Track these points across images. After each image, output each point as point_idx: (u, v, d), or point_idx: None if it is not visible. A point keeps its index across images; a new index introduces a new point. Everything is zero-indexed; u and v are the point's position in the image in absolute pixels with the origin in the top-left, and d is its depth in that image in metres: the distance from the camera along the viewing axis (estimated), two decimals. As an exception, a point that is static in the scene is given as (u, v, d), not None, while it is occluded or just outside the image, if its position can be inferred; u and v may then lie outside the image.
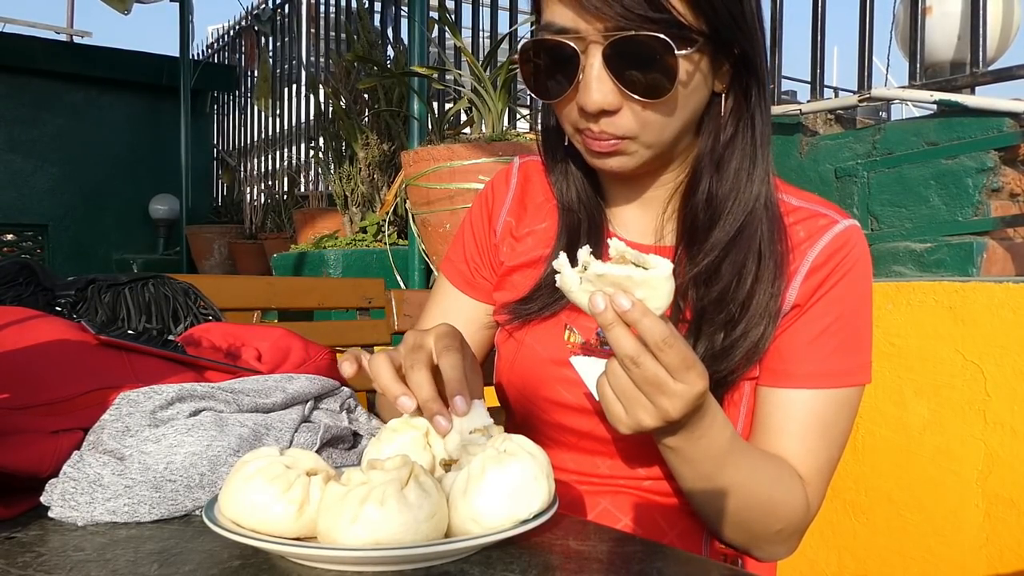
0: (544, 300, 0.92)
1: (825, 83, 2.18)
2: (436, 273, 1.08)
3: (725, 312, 0.82)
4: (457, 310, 1.03)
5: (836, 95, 2.31)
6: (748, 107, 0.84)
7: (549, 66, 0.79)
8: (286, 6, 5.69)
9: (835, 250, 0.85)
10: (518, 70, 0.90)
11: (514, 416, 1.00)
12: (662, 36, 0.73)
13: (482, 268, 1.03)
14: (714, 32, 0.76)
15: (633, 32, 0.73)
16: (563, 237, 0.94)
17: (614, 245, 0.67)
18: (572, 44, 0.76)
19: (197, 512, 0.69)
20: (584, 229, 0.93)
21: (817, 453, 0.85)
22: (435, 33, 3.55)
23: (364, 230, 3.47)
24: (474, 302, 1.03)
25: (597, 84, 0.76)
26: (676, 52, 0.73)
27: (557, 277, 0.68)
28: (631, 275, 0.64)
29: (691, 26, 0.74)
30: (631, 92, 0.76)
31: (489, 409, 1.01)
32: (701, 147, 0.86)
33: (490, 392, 1.04)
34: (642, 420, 0.69)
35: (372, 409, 1.02)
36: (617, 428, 0.71)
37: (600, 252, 0.90)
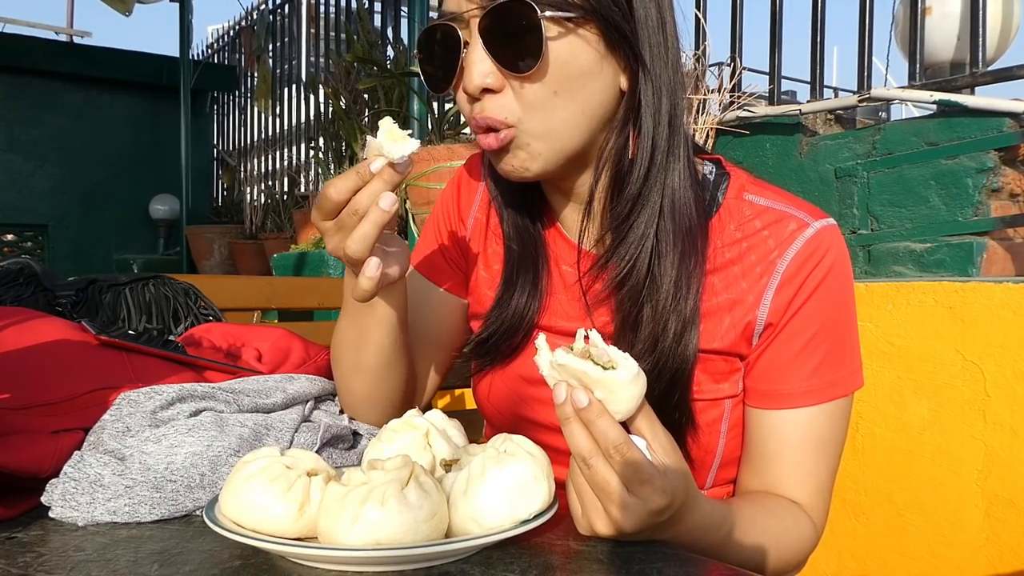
0: (493, 351, 0.91)
1: (825, 83, 2.18)
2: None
3: (636, 325, 0.80)
4: (430, 303, 0.99)
5: (836, 95, 2.31)
6: (644, 108, 0.78)
7: (438, 55, 0.79)
8: (286, 6, 5.69)
9: (806, 258, 0.80)
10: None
11: (496, 430, 0.98)
12: (528, 1, 0.71)
13: (459, 260, 0.99)
14: (594, 9, 0.74)
15: (504, 0, 0.72)
16: (504, 272, 0.91)
17: (592, 336, 0.65)
18: (454, 26, 0.76)
19: (198, 512, 0.69)
20: (522, 263, 0.90)
21: (817, 474, 0.83)
22: (435, 33, 3.54)
23: (364, 230, 3.46)
24: (448, 295, 0.99)
25: (475, 61, 0.75)
26: (540, 14, 0.72)
27: (536, 358, 0.66)
28: (587, 372, 0.62)
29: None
30: (507, 67, 0.74)
31: (475, 411, 1.01)
32: (599, 149, 0.82)
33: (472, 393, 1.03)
34: (595, 524, 0.64)
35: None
36: (577, 528, 0.67)
37: (536, 272, 0.89)
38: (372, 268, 0.75)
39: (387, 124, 0.73)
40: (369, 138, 0.72)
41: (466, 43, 0.76)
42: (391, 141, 0.72)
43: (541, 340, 0.66)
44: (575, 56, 0.75)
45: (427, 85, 0.82)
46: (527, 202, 0.90)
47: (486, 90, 0.76)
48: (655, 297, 0.79)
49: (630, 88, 0.79)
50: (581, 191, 0.86)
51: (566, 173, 0.83)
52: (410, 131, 0.73)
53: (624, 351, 0.64)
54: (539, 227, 0.91)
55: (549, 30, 0.73)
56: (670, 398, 0.80)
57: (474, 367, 0.96)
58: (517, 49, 0.73)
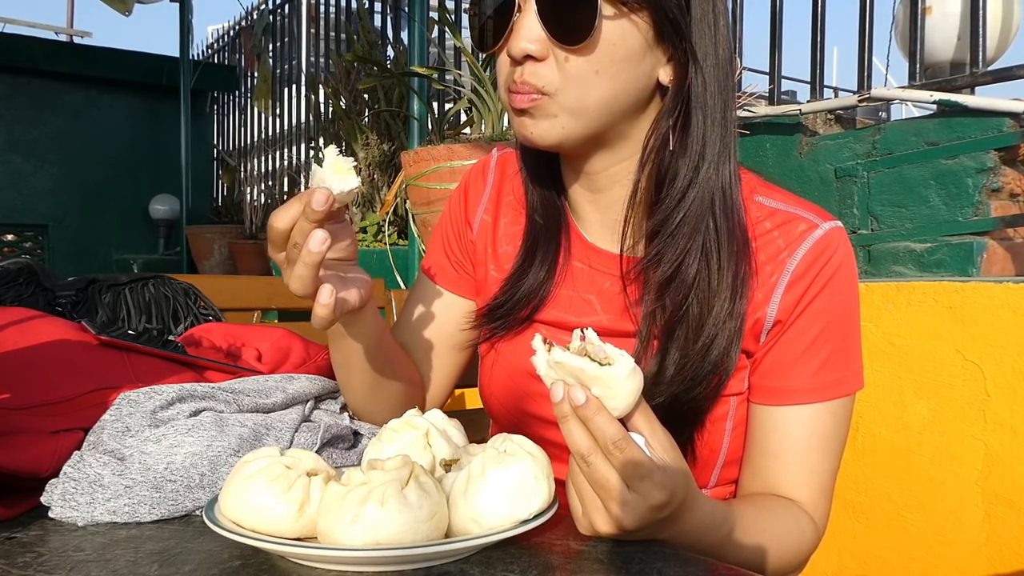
0: (505, 317, 0.91)
1: (825, 83, 2.18)
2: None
3: (683, 326, 0.80)
4: (438, 307, 1.00)
5: (836, 95, 2.31)
6: (694, 104, 0.79)
7: (490, 13, 0.80)
8: (286, 6, 5.69)
9: (815, 258, 0.82)
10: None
11: (500, 426, 0.99)
12: None
13: (464, 264, 1.00)
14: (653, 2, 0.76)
15: None
16: (525, 242, 0.92)
17: (588, 335, 0.65)
18: None
19: (197, 512, 0.69)
20: (544, 236, 0.91)
21: (820, 472, 0.83)
22: (435, 33, 3.55)
23: (364, 230, 3.47)
24: (457, 298, 1.00)
25: (526, 26, 0.76)
26: None
27: (533, 358, 0.66)
28: (584, 368, 0.62)
29: None
30: (556, 37, 0.75)
31: (475, 411, 1.01)
32: (644, 142, 0.83)
33: (475, 394, 1.04)
34: (596, 523, 0.64)
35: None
36: (577, 527, 0.66)
37: (557, 248, 0.90)
38: (325, 296, 0.74)
39: (332, 155, 0.72)
40: (315, 166, 0.72)
41: (520, 7, 0.77)
42: (335, 173, 0.71)
43: (537, 340, 0.66)
44: (624, 40, 0.76)
45: (473, 42, 0.83)
46: (554, 184, 0.92)
47: (529, 57, 0.77)
48: (710, 303, 0.80)
49: (676, 83, 0.80)
50: (597, 178, 0.87)
51: (584, 151, 0.84)
52: (355, 163, 0.73)
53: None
54: (562, 199, 0.93)
55: (605, 9, 0.75)
56: (694, 401, 0.81)
57: (482, 334, 0.96)
58: (570, 21, 0.75)
